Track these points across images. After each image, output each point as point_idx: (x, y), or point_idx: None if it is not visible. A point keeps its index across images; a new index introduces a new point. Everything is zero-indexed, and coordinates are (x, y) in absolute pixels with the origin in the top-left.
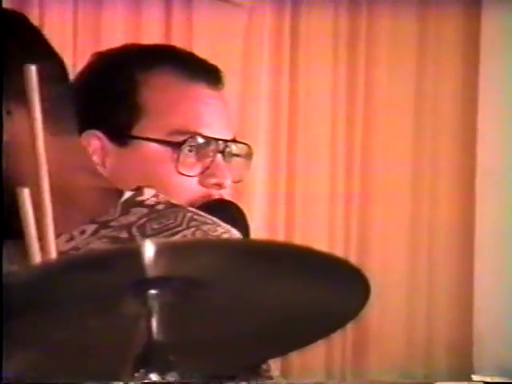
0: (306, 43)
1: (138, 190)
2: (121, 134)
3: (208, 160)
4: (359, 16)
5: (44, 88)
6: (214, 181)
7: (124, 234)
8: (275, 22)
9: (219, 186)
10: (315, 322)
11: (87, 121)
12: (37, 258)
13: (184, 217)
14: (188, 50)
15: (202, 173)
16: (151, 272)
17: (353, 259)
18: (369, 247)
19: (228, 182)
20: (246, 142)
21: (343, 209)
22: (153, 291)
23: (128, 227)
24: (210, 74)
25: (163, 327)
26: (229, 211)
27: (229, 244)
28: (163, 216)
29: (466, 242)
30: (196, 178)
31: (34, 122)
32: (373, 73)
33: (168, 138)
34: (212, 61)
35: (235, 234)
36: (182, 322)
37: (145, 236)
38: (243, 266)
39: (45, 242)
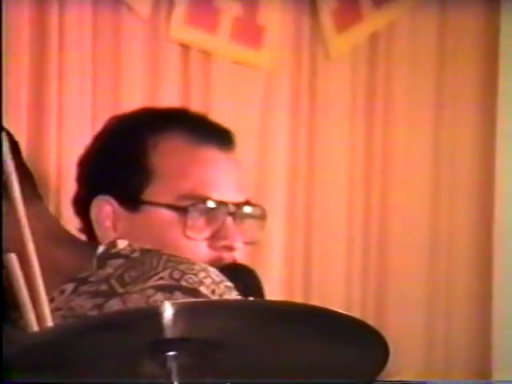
0: (324, 103)
1: (112, 243)
2: (131, 199)
3: (218, 223)
4: (376, 72)
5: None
6: (223, 243)
7: (104, 287)
8: (293, 84)
9: (229, 248)
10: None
11: (99, 186)
12: (32, 321)
13: (160, 260)
14: (204, 112)
15: (212, 236)
16: (170, 333)
17: (370, 320)
18: (386, 308)
19: (238, 245)
20: (258, 203)
21: (360, 270)
22: (171, 352)
23: (107, 279)
24: (220, 137)
25: None
26: (243, 275)
27: (246, 305)
28: (139, 263)
29: (483, 302)
30: (206, 242)
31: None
32: (391, 133)
33: (177, 203)
34: (230, 123)
35: (212, 271)
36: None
37: (124, 285)
38: (261, 326)
39: (38, 305)
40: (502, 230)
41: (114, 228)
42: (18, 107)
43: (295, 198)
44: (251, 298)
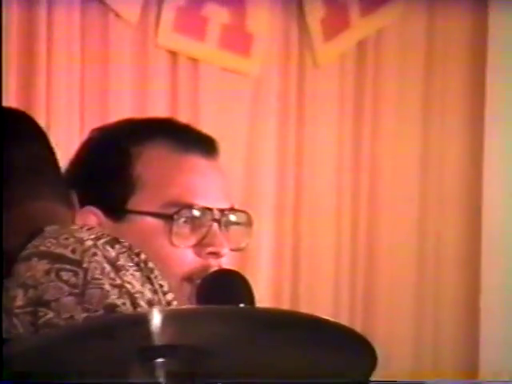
0: (313, 111)
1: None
2: (116, 208)
3: (204, 230)
4: (364, 79)
5: None
6: (210, 250)
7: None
8: (281, 91)
9: (216, 254)
10: None
11: (84, 197)
12: None
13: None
14: (193, 118)
15: (198, 243)
16: (158, 340)
17: (358, 327)
18: (374, 314)
19: (225, 251)
20: (244, 210)
21: (348, 276)
22: (160, 359)
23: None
24: (204, 145)
25: None
26: (233, 281)
27: (235, 312)
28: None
29: (471, 306)
30: (192, 249)
31: None
32: (378, 140)
33: (162, 211)
34: (218, 129)
35: (79, 231)
36: None
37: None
38: (249, 334)
39: None
40: (489, 236)
41: None
42: None
43: (283, 204)
44: (241, 305)
